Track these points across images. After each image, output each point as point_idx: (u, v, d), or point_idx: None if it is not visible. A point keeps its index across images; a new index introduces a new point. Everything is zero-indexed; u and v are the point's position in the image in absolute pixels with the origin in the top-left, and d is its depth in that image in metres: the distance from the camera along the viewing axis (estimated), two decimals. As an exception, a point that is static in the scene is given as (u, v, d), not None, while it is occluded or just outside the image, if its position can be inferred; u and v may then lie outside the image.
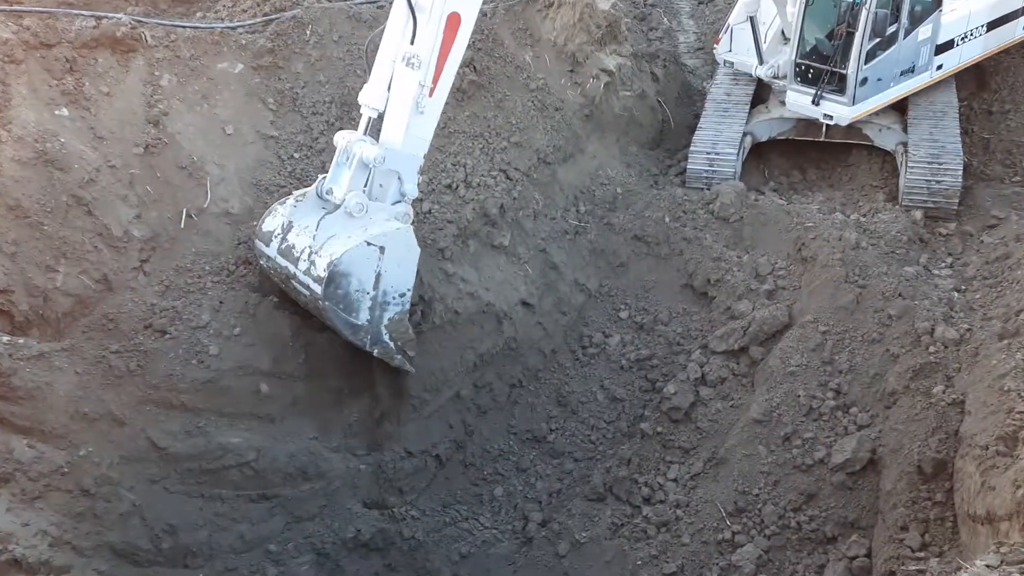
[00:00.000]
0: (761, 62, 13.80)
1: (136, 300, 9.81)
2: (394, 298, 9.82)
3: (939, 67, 13.38)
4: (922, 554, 8.17)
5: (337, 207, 9.46)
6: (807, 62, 12.85)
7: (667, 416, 10.66)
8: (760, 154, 14.07)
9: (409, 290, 9.90)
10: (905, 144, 13.05)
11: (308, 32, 11.65)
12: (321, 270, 9.27)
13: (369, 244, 9.40)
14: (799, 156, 14.15)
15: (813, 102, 12.79)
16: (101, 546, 8.97)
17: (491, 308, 11.10)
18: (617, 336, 11.68)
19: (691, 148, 13.48)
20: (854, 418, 9.71)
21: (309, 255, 9.39)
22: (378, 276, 9.58)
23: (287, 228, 9.63)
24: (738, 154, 13.40)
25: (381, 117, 9.55)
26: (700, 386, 10.72)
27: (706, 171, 13.22)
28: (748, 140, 13.79)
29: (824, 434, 9.71)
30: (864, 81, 12.48)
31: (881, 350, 10.01)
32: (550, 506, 10.67)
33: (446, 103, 11.23)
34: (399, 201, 9.83)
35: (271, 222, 9.84)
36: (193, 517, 9.49)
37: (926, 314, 10.05)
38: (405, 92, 9.35)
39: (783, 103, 13.82)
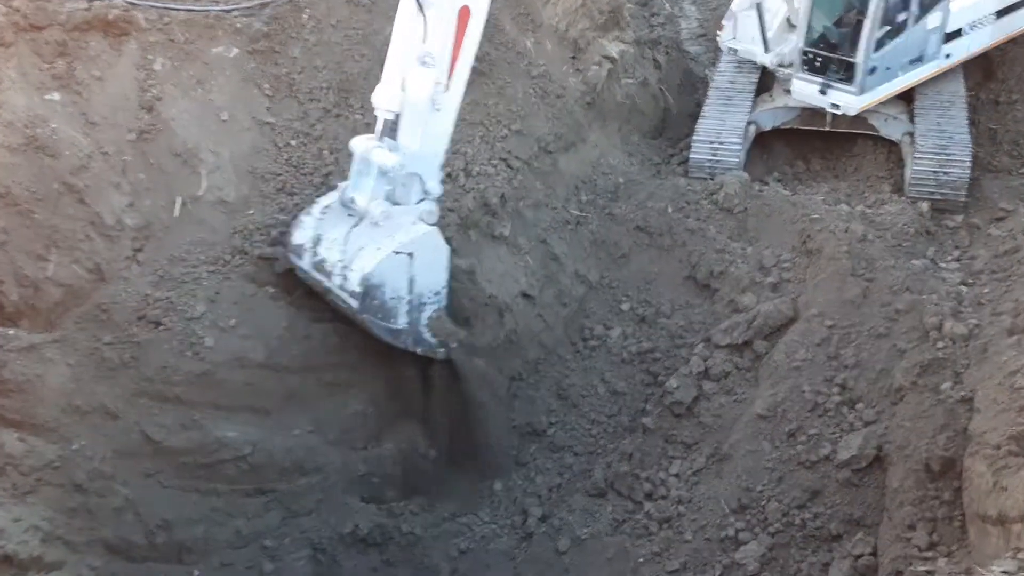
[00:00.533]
0: (766, 50, 13.59)
1: (129, 290, 9.61)
2: (429, 298, 9.90)
3: (948, 56, 13.19)
4: (930, 554, 8.02)
5: (362, 217, 9.42)
6: (814, 50, 12.64)
7: (669, 410, 10.51)
8: (764, 144, 13.88)
9: (443, 287, 9.99)
10: (912, 134, 12.87)
11: (305, 16, 11.40)
12: (355, 285, 9.36)
13: (398, 253, 9.45)
14: (803, 146, 13.97)
15: (820, 91, 12.59)
16: (94, 541, 8.82)
17: (493, 301, 10.93)
18: (618, 328, 11.52)
19: (694, 137, 13.28)
20: (860, 414, 9.56)
21: (342, 269, 9.45)
22: (411, 281, 9.67)
23: (316, 241, 9.66)
24: (742, 144, 13.22)
25: (397, 117, 9.32)
26: (703, 380, 10.57)
27: (709, 161, 13.04)
28: (752, 129, 13.60)
29: (829, 430, 9.56)
30: (873, 70, 12.29)
31: (888, 345, 9.85)
32: (550, 501, 10.54)
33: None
34: (423, 199, 9.73)
35: (300, 235, 9.80)
36: (188, 512, 9.34)
37: (934, 309, 9.89)
38: (421, 91, 9.15)
39: (788, 92, 13.63)
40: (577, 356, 11.42)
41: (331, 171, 10.95)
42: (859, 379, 9.78)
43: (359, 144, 9.44)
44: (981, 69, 14.34)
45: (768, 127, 13.76)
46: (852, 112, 12.67)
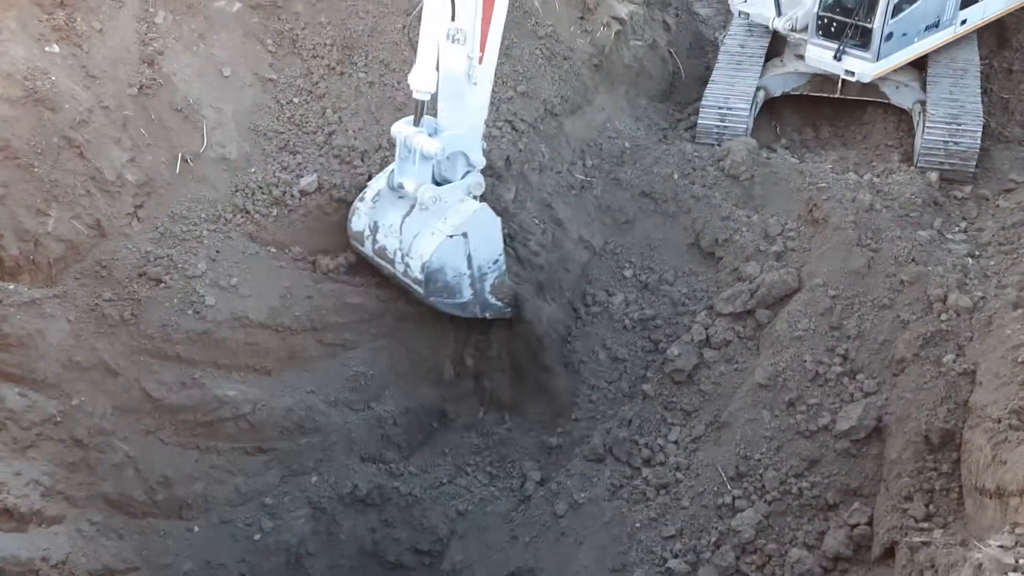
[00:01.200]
0: (779, 14, 13.33)
1: (130, 247, 9.57)
2: (489, 267, 10.24)
3: (963, 22, 12.94)
4: (926, 525, 8.06)
5: (413, 204, 9.74)
6: (830, 15, 12.38)
7: (670, 378, 10.50)
8: (773, 109, 13.71)
9: (500, 254, 10.30)
10: (923, 103, 12.68)
11: (309, -29, 11.20)
12: (417, 272, 9.78)
13: (452, 236, 9.75)
14: (813, 113, 13.78)
15: (835, 57, 12.36)
16: (94, 496, 8.89)
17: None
18: (621, 295, 11.46)
19: (702, 102, 13.10)
20: (861, 385, 9.55)
21: (402, 258, 9.84)
22: (469, 258, 10.04)
23: (374, 229, 10.03)
24: (751, 109, 13.03)
25: (433, 98, 9.46)
26: (704, 348, 10.54)
27: (717, 127, 12.87)
28: (761, 95, 13.41)
29: (829, 400, 9.56)
30: (889, 36, 12.06)
31: (891, 316, 9.80)
32: (549, 465, 10.57)
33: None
34: (468, 171, 9.94)
35: (357, 222, 10.14)
36: (188, 469, 9.40)
37: (939, 280, 9.82)
38: (455, 68, 9.24)
39: (799, 57, 13.40)
40: (579, 322, 11.38)
41: (334, 130, 10.83)
42: (861, 350, 9.76)
43: (401, 130, 9.62)
44: (996, 37, 14.09)
45: (778, 92, 13.57)
46: (867, 79, 12.47)
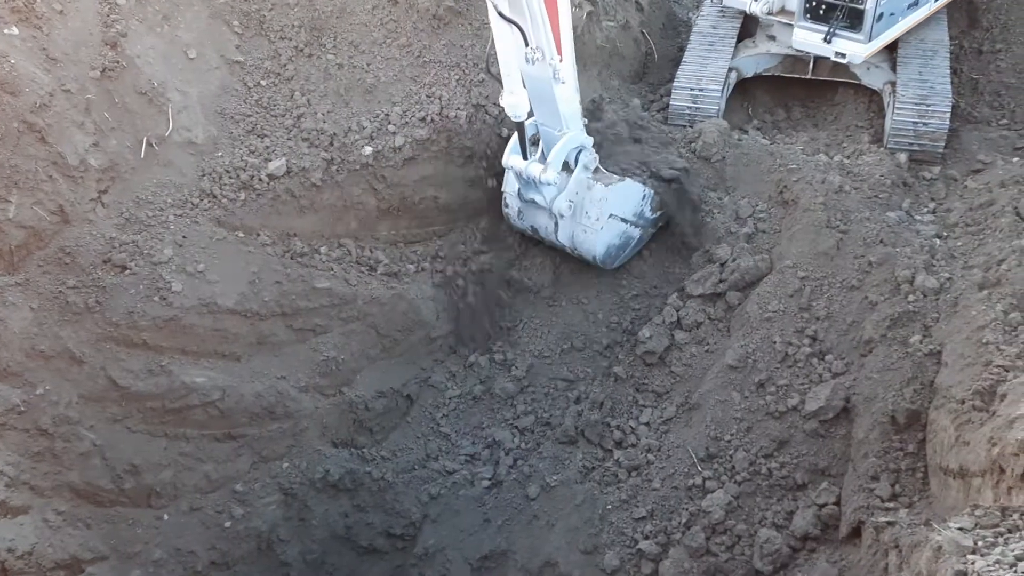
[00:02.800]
0: (756, -2, 13.26)
1: (94, 233, 9.43)
2: (640, 206, 10.96)
3: None
4: (892, 504, 8.14)
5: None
6: None
7: (641, 360, 10.53)
8: (744, 91, 13.68)
9: (641, 192, 10.88)
10: (893, 83, 12.70)
11: (275, -50, 11.02)
12: (597, 263, 10.98)
13: (601, 224, 10.59)
14: (784, 93, 13.78)
15: (825, 40, 12.30)
16: (61, 486, 8.80)
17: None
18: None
19: (674, 84, 13.06)
20: (829, 366, 9.60)
21: (574, 250, 11.01)
22: (624, 220, 10.85)
23: (535, 230, 11.12)
24: (722, 91, 13.00)
25: (529, 115, 9.88)
26: (675, 330, 10.57)
27: (689, 108, 12.84)
28: (733, 76, 13.38)
29: (799, 381, 9.61)
30: (880, 17, 12.02)
31: (860, 297, 9.85)
32: (521, 448, 10.59)
33: (421, 31, 10.81)
34: (579, 150, 10.36)
35: (517, 225, 11.26)
36: (156, 457, 9.33)
37: (907, 262, 9.87)
38: (541, 78, 9.47)
39: (771, 38, 13.37)
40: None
41: (303, 113, 10.72)
42: (829, 331, 9.81)
43: (514, 164, 10.41)
44: (966, 17, 14.12)
45: (750, 73, 13.54)
46: (858, 60, 12.42)
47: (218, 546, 9.63)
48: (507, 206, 11.09)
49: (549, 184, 10.25)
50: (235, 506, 9.64)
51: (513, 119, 9.67)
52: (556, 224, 10.77)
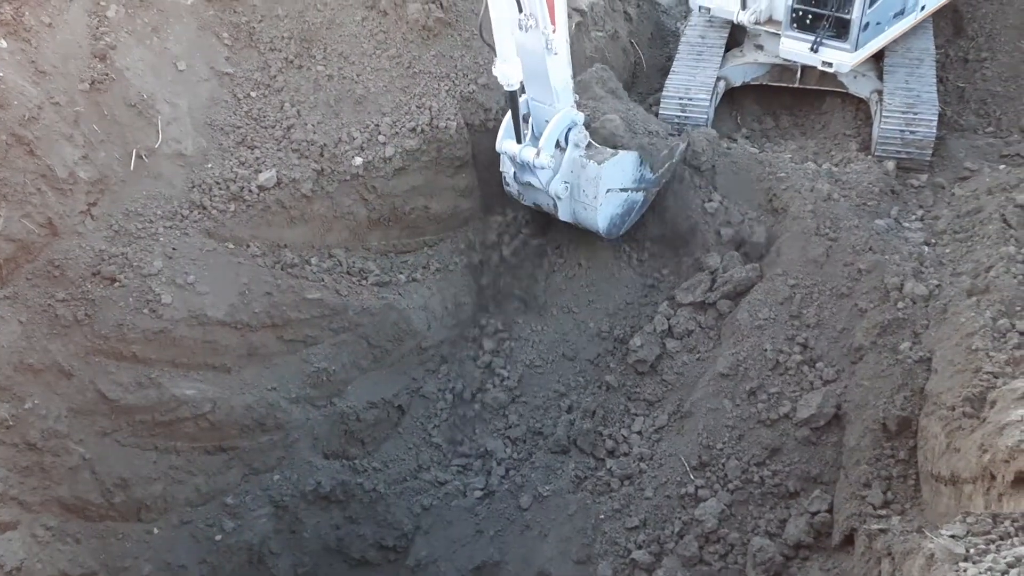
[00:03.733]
0: (744, 7, 13.34)
1: (83, 246, 9.38)
2: (639, 173, 10.92)
3: (923, 7, 13.05)
4: (884, 512, 8.16)
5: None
6: (804, 7, 12.38)
7: (633, 369, 10.54)
8: (733, 99, 13.76)
9: (635, 157, 10.81)
10: (880, 92, 12.79)
11: (265, -38, 11.02)
12: (603, 235, 11.00)
13: (600, 201, 10.58)
14: (773, 102, 13.86)
15: (812, 49, 12.37)
16: (49, 501, 8.72)
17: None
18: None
19: (663, 93, 13.12)
20: (820, 373, 9.64)
21: (581, 226, 11.03)
22: (624, 189, 10.83)
23: (539, 208, 11.09)
24: (711, 100, 13.07)
25: (521, 84, 9.79)
26: (667, 338, 10.59)
27: (678, 117, 12.90)
28: (722, 85, 13.45)
29: (790, 389, 9.64)
30: (866, 26, 12.11)
31: (849, 305, 9.90)
32: (513, 458, 10.57)
33: (411, 42, 10.82)
34: (571, 127, 10.41)
35: (524, 201, 11.21)
36: (147, 470, 9.27)
37: (896, 269, 9.93)
38: (533, 49, 9.51)
39: (759, 47, 13.44)
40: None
41: (292, 124, 10.70)
42: (820, 338, 9.85)
43: (508, 149, 10.44)
44: (951, 25, 14.24)
45: (738, 83, 13.62)
46: (845, 69, 12.50)
47: (209, 560, 9.57)
48: (507, 185, 11.09)
49: (543, 167, 10.27)
50: (226, 519, 9.59)
51: (505, 88, 9.53)
52: (556, 207, 10.75)
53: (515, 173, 10.70)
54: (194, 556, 9.45)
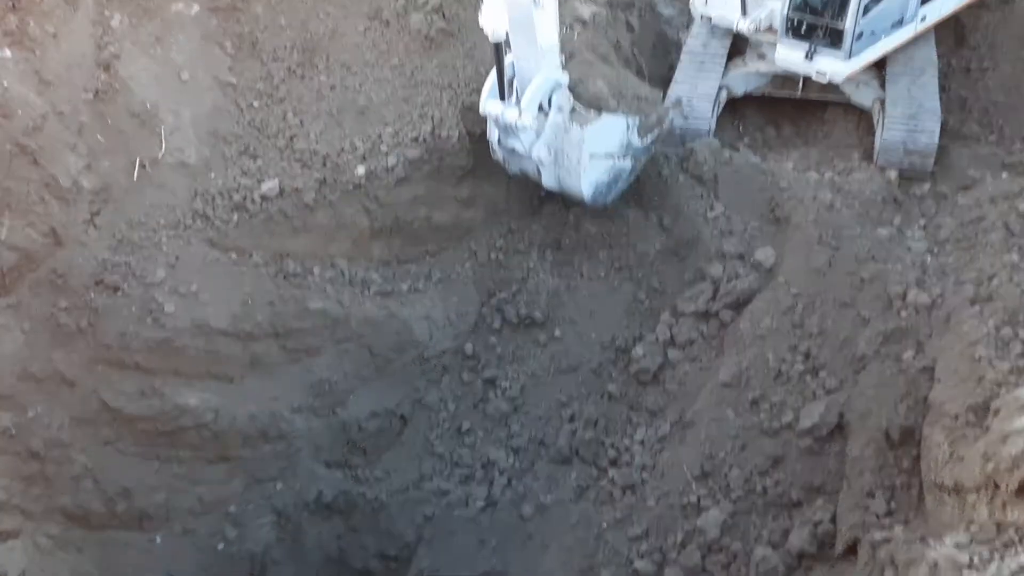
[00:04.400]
0: (744, 14, 13.36)
1: (86, 255, 9.42)
2: (626, 139, 10.63)
3: (923, 19, 13.06)
4: (887, 521, 8.13)
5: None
6: (799, 15, 12.39)
7: (635, 378, 10.52)
8: (735, 109, 13.76)
9: (622, 122, 10.56)
10: (882, 101, 12.78)
11: (268, -28, 11.08)
12: (588, 203, 10.73)
13: (584, 166, 10.29)
14: (775, 112, 13.86)
15: (806, 57, 12.38)
16: (52, 509, 8.74)
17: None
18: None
19: (666, 103, 13.11)
20: (823, 382, 9.62)
21: (566, 194, 10.72)
22: (610, 155, 10.57)
23: (525, 175, 10.76)
24: (713, 109, 13.07)
25: (507, 35, 9.66)
26: (669, 348, 10.57)
27: (681, 127, 12.89)
28: (724, 94, 13.45)
29: (792, 398, 9.62)
30: (860, 35, 12.11)
31: (852, 314, 9.88)
32: (515, 468, 10.55)
33: (413, 52, 10.85)
34: (553, 90, 10.20)
35: (510, 169, 10.92)
36: (149, 479, 9.27)
37: (898, 278, 9.91)
38: (521, 7, 9.35)
39: (760, 57, 13.45)
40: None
41: (295, 134, 10.74)
42: (823, 347, 9.83)
43: (491, 110, 10.15)
44: (953, 35, 14.24)
45: (740, 92, 13.62)
46: (839, 79, 12.49)
47: (211, 569, 9.57)
48: (494, 153, 10.84)
49: (526, 129, 10.04)
50: (228, 528, 9.58)
51: (490, 39, 9.43)
52: (540, 173, 10.47)
53: (499, 138, 10.45)
54: (196, 565, 9.46)
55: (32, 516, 8.54)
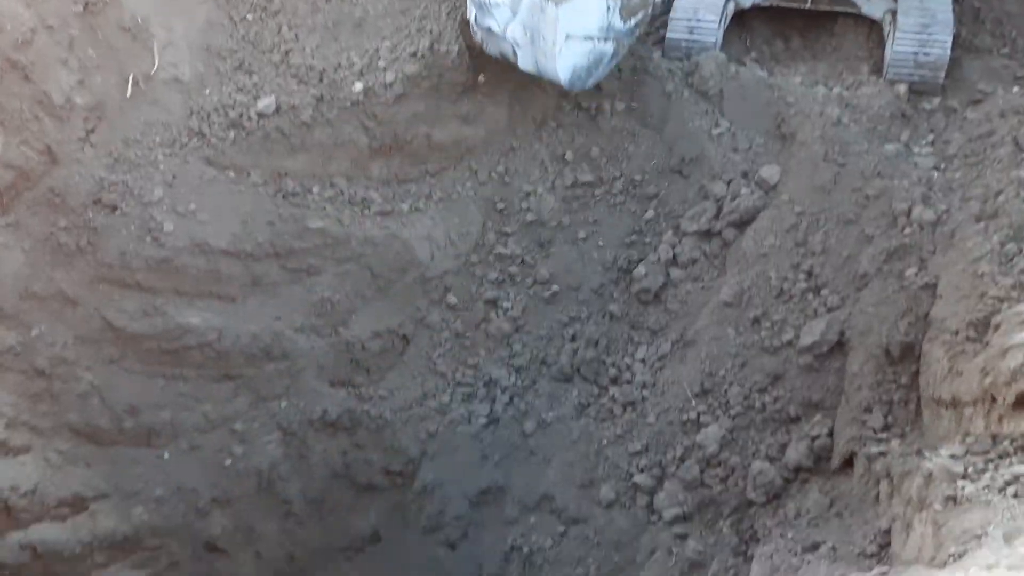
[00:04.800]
0: (750, -78, 12.90)
1: (83, 173, 9.32)
2: (606, 21, 10.06)
3: None
4: (884, 435, 8.23)
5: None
6: None
7: (636, 298, 10.52)
8: (742, 21, 13.40)
9: (602, 5, 9.99)
10: (894, 12, 12.43)
11: None
12: (565, 88, 10.19)
13: (560, 48, 9.76)
14: (783, 24, 13.48)
15: None
16: (60, 426, 8.87)
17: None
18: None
19: (671, 16, 12.73)
20: (824, 300, 9.60)
21: (545, 78, 10.12)
22: (589, 37, 9.97)
23: (504, 56, 10.11)
24: (720, 22, 12.72)
25: None
26: (671, 267, 10.54)
27: (686, 40, 12.57)
28: (731, 7, 13.06)
29: (794, 316, 9.62)
30: None
31: (856, 231, 9.80)
32: (517, 386, 10.65)
33: None
34: None
35: (489, 51, 10.32)
36: (155, 397, 9.38)
37: (904, 194, 9.79)
38: None
39: (770, -33, 13.03)
40: (546, 242, 11.30)
41: (291, 48, 10.48)
42: (825, 265, 9.79)
43: None
44: (969, -57, 13.80)
45: (747, 4, 13.22)
46: None
47: (219, 484, 9.76)
48: (474, 34, 10.31)
49: (500, 5, 9.59)
50: (235, 445, 9.74)
51: None
52: (516, 55, 9.96)
53: (476, 16, 9.96)
54: (205, 480, 9.64)
55: (41, 432, 8.68)
